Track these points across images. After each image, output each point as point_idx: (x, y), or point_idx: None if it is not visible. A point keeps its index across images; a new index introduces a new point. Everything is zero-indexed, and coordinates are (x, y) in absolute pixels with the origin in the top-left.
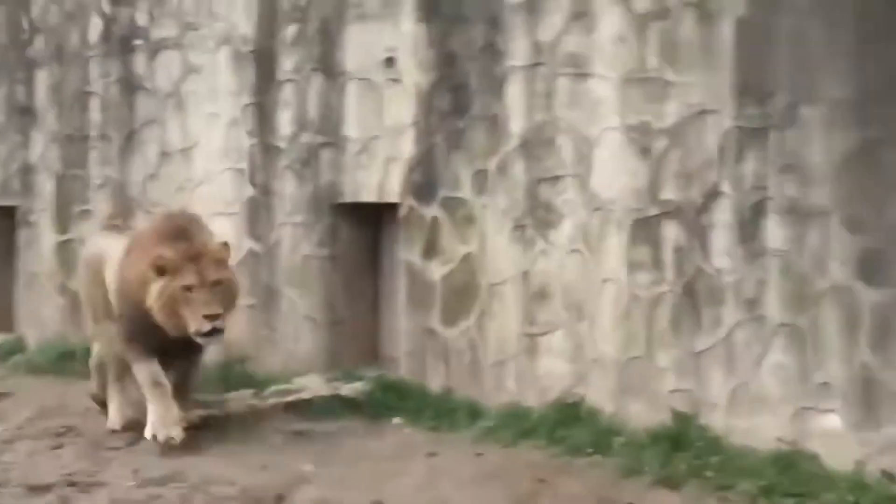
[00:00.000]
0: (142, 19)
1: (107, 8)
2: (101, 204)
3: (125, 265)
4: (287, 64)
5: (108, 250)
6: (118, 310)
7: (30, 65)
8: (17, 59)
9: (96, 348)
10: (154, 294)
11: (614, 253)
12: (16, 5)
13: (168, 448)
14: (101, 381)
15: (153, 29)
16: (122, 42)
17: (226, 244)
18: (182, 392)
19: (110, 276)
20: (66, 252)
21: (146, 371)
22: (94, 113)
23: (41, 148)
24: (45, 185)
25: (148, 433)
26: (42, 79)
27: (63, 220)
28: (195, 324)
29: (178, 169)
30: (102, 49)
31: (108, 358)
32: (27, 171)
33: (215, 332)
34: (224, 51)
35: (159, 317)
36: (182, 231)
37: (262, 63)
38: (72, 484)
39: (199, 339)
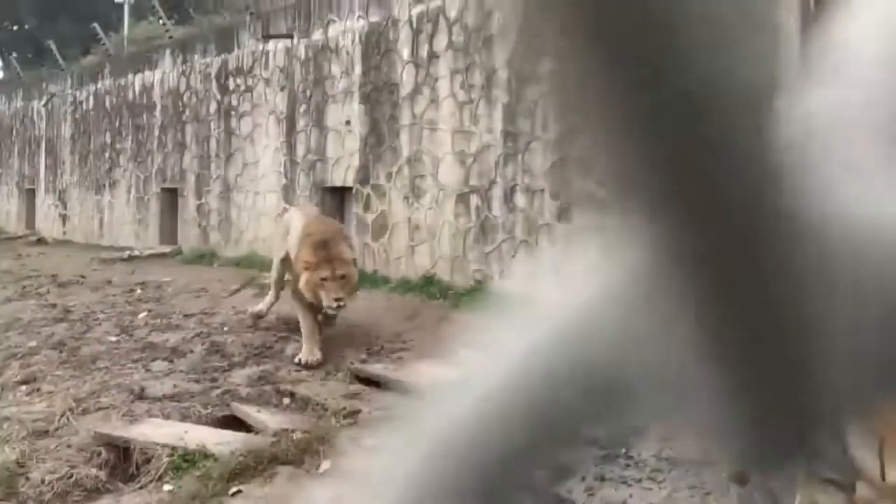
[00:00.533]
0: (235, 101)
1: (218, 95)
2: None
3: (297, 252)
4: (300, 123)
5: (292, 223)
6: (293, 276)
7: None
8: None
9: (274, 274)
10: (303, 280)
11: (449, 208)
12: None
13: (308, 366)
14: (268, 306)
15: (239, 106)
16: (226, 112)
17: (351, 247)
18: (323, 327)
19: (290, 245)
20: (200, 209)
21: (304, 318)
22: (213, 143)
23: (188, 161)
24: (190, 177)
25: (297, 358)
26: (189, 131)
27: (198, 194)
28: (327, 302)
29: (251, 172)
30: (216, 115)
31: (277, 285)
32: (182, 171)
33: (339, 307)
34: (271, 116)
35: (307, 295)
36: (325, 243)
37: (289, 123)
38: (204, 313)
39: (328, 311)
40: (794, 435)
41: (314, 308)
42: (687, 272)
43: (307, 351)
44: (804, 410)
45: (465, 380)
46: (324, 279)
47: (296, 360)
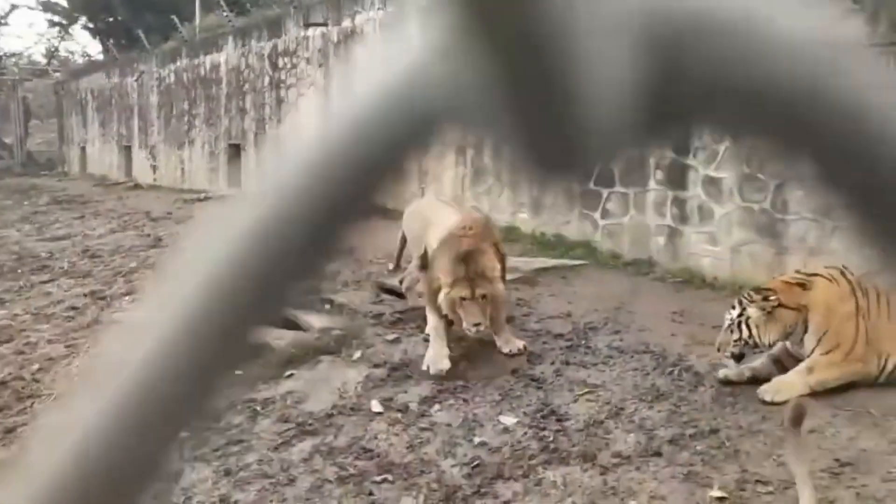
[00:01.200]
0: (283, 76)
1: (270, 71)
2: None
3: (435, 260)
4: None
5: (433, 216)
6: (428, 279)
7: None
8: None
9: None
10: (441, 297)
11: (450, 158)
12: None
13: (437, 377)
14: (406, 288)
15: (287, 80)
16: (276, 84)
17: (500, 253)
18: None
19: (429, 240)
20: (259, 160)
21: (433, 321)
22: (267, 109)
23: (248, 123)
24: (250, 135)
25: (424, 365)
26: (249, 100)
27: (258, 149)
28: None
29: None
30: (269, 87)
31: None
32: (244, 130)
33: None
34: (312, 88)
35: (445, 311)
36: (468, 255)
37: (326, 93)
38: None
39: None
40: (566, 147)
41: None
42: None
43: (433, 357)
44: (571, 126)
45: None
46: (463, 298)
47: (423, 366)
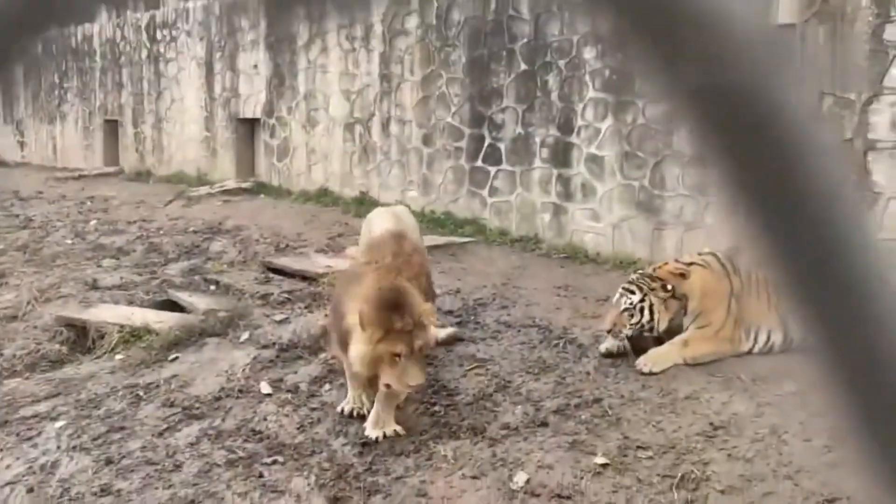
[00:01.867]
0: (163, 49)
1: (148, 44)
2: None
3: (350, 300)
4: (217, 67)
5: (367, 232)
6: (335, 324)
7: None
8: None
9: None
10: (358, 353)
11: (338, 135)
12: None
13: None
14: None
15: (166, 53)
16: (155, 58)
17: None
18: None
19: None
20: (137, 136)
21: (355, 386)
22: (146, 84)
23: (125, 98)
24: (128, 111)
25: (364, 429)
26: (125, 73)
27: (135, 124)
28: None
29: (178, 106)
30: (147, 61)
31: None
32: (121, 106)
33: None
34: (193, 62)
35: (362, 370)
36: (398, 296)
37: (207, 67)
38: (143, 220)
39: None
40: None
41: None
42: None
43: (375, 422)
44: None
45: None
46: (396, 356)
47: (364, 431)
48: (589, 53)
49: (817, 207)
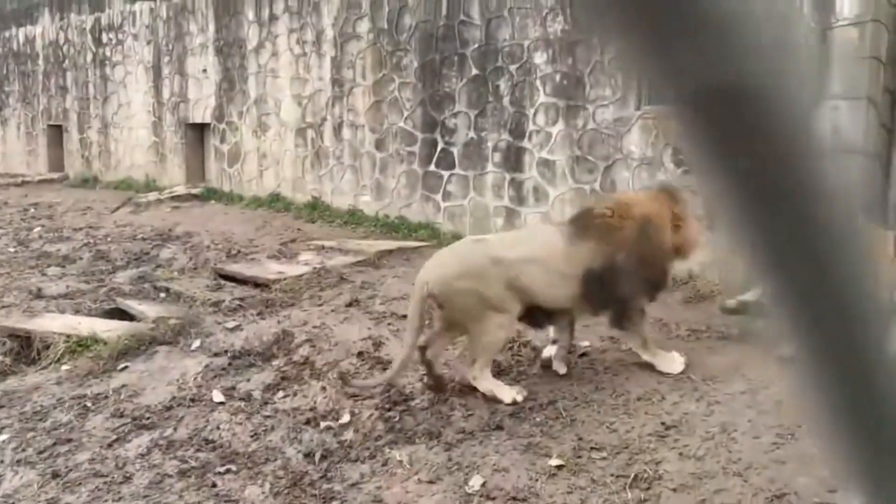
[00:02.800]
0: (108, 53)
1: (93, 47)
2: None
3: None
4: (165, 71)
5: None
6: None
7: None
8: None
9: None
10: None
11: (290, 139)
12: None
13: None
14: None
15: (112, 56)
16: (101, 61)
17: None
18: None
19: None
20: (83, 142)
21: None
22: (91, 88)
23: (70, 102)
24: (73, 115)
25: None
26: (70, 77)
27: (81, 129)
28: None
29: (125, 111)
30: (92, 65)
31: None
32: (65, 110)
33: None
34: (140, 66)
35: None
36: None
37: (155, 71)
38: (90, 227)
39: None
40: None
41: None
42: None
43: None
44: None
45: None
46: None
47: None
48: (540, 58)
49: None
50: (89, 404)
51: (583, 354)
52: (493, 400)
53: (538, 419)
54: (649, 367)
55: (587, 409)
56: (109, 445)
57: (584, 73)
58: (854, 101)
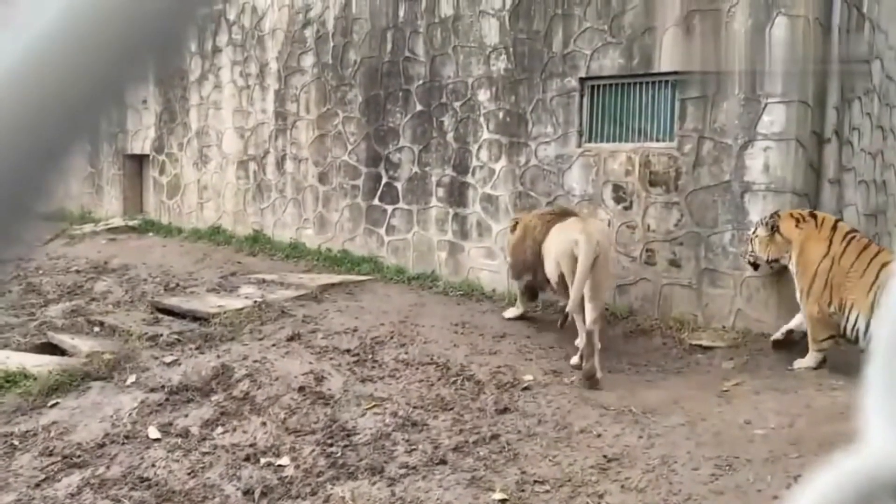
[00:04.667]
0: None
1: None
2: None
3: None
4: None
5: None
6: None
7: None
8: None
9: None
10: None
11: (231, 172)
12: None
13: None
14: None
15: None
16: None
17: None
18: None
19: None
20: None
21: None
22: None
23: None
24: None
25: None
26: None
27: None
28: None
29: None
30: None
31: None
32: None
33: None
34: None
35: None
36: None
37: None
38: (20, 259)
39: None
40: None
41: None
42: None
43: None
44: None
45: None
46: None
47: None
48: (483, 95)
49: None
50: (16, 442)
51: (526, 388)
52: None
53: (482, 453)
54: (592, 400)
55: (530, 443)
56: (37, 485)
57: (526, 110)
58: (783, 141)
